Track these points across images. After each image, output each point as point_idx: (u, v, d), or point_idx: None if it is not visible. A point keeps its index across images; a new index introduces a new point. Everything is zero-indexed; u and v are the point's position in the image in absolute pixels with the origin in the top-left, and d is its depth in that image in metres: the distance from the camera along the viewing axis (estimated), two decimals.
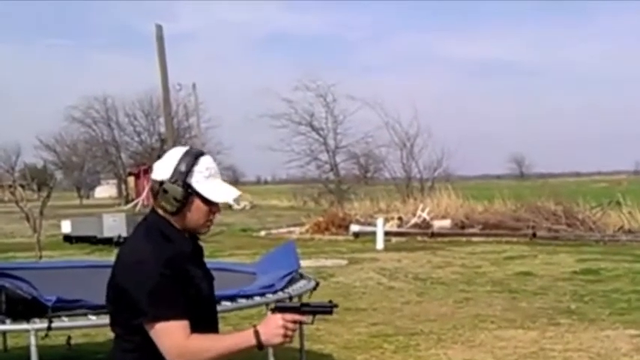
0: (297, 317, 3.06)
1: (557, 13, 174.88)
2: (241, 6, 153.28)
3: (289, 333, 3.02)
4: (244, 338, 2.99)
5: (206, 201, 3.09)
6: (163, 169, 3.07)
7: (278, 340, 3.00)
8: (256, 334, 2.97)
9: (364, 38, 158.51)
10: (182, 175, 3.03)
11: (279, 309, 3.10)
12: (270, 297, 6.64)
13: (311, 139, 41.69)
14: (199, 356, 2.95)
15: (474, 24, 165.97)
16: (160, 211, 3.11)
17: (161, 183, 3.05)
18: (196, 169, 3.06)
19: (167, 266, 2.95)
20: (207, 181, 3.08)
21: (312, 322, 3.16)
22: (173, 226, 3.10)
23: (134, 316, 2.96)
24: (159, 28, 28.87)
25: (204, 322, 3.09)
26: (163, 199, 3.05)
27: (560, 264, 17.16)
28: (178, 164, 3.05)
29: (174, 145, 27.96)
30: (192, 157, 3.07)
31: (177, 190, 3.03)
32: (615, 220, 24.31)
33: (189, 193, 3.05)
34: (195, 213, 3.09)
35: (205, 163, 3.09)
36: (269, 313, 3.14)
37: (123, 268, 3.03)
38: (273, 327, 3.00)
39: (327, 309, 3.18)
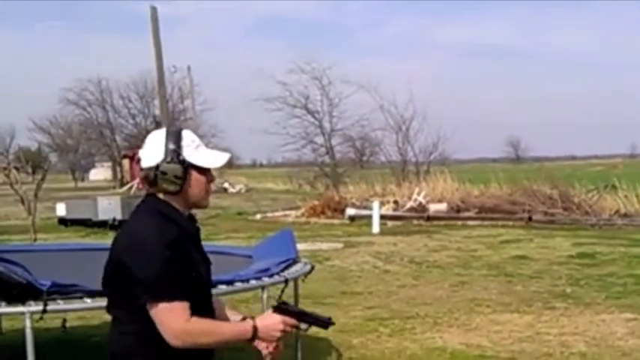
0: (295, 322, 3.16)
1: None
2: None
3: (282, 335, 3.13)
4: (242, 331, 3.08)
5: (202, 170, 3.13)
6: (153, 154, 3.08)
7: (272, 339, 3.12)
8: (254, 329, 3.06)
9: (360, 21, 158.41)
10: (175, 153, 3.06)
11: (280, 310, 3.15)
12: (266, 280, 6.62)
13: (306, 122, 41.63)
14: (197, 339, 2.98)
15: (472, 8, 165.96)
16: (160, 195, 3.12)
17: (157, 167, 3.05)
18: (184, 143, 3.09)
19: (170, 248, 2.97)
20: (198, 152, 3.13)
21: (306, 330, 3.26)
22: (174, 208, 3.12)
23: (135, 296, 2.96)
24: (153, 9, 28.78)
25: (201, 305, 3.10)
26: (164, 181, 3.06)
27: (556, 248, 17.17)
28: (166, 144, 3.07)
29: (170, 127, 27.90)
30: (176, 134, 3.12)
31: (176, 168, 3.05)
32: (611, 204, 24.33)
33: (186, 167, 3.07)
34: (196, 186, 3.13)
35: (189, 136, 3.14)
36: (269, 310, 3.19)
37: (125, 248, 3.03)
38: (271, 327, 3.10)
39: (324, 323, 3.27)
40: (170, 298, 2.94)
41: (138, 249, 2.97)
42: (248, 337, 3.06)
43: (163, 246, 2.95)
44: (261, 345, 3.16)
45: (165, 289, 2.94)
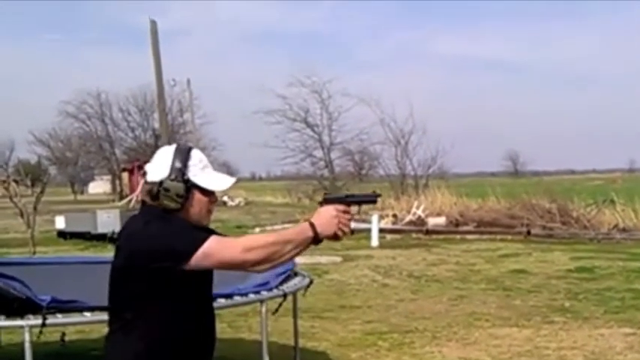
0: (344, 207, 3.10)
1: (555, 11, 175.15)
2: (238, 1, 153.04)
3: (343, 222, 3.07)
4: (302, 229, 3.06)
5: (205, 192, 3.16)
6: (159, 169, 3.11)
7: (333, 229, 3.06)
8: (312, 225, 3.03)
9: (360, 35, 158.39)
10: (180, 171, 3.09)
11: (327, 201, 3.14)
12: (264, 294, 6.63)
13: (306, 135, 41.76)
14: (267, 249, 3.01)
15: (471, 21, 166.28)
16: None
17: (160, 183, 3.08)
18: (191, 163, 3.13)
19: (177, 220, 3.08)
20: (204, 173, 3.16)
21: (359, 213, 3.22)
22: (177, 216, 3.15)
23: (169, 266, 2.96)
24: (153, 23, 28.85)
25: (202, 315, 3.19)
26: (166, 198, 3.09)
27: (555, 262, 17.17)
28: (173, 162, 3.10)
29: (169, 140, 27.94)
30: (185, 153, 3.15)
31: (179, 187, 3.09)
32: (609, 219, 24.33)
33: (190, 187, 3.11)
34: (197, 206, 3.15)
35: (197, 156, 3.18)
36: (318, 206, 3.15)
37: (140, 236, 3.05)
38: (326, 217, 3.06)
39: (372, 198, 3.26)
40: (206, 236, 3.00)
41: (148, 230, 3.02)
42: (309, 234, 3.02)
43: (174, 223, 3.05)
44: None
45: (198, 235, 3.00)
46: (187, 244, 2.97)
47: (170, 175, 3.08)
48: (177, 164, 3.09)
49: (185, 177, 3.09)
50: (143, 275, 3.00)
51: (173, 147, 3.18)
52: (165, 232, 3.00)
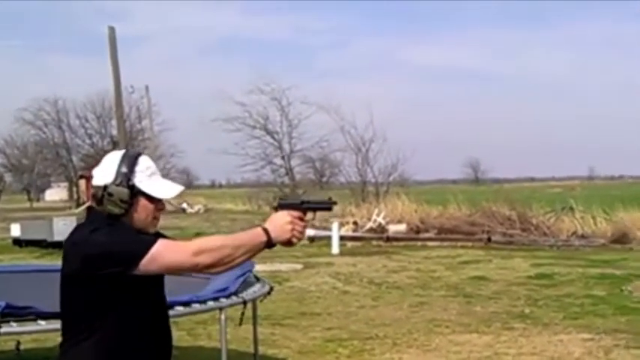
0: (299, 214, 3.07)
1: (517, 21, 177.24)
2: (197, 9, 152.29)
3: (297, 229, 3.04)
4: (255, 233, 3.02)
5: (151, 199, 3.11)
6: (105, 174, 3.07)
7: (287, 236, 3.04)
8: (265, 230, 3.01)
9: (323, 43, 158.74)
10: (125, 177, 3.04)
11: (282, 206, 3.10)
12: (224, 301, 6.53)
13: (266, 142, 41.68)
14: (217, 251, 2.97)
15: (434, 31, 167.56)
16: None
17: (105, 187, 3.04)
18: (137, 169, 3.08)
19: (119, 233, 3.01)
20: (150, 180, 3.11)
21: (314, 219, 3.18)
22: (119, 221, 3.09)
23: (118, 271, 2.91)
24: (111, 29, 28.64)
25: (156, 322, 3.14)
26: (109, 202, 3.04)
27: (515, 268, 17.26)
28: (119, 166, 3.05)
29: (127, 147, 27.67)
30: (132, 158, 3.10)
31: (123, 192, 3.03)
32: (568, 226, 24.61)
33: (134, 193, 3.06)
34: (142, 212, 3.10)
35: (145, 162, 3.13)
36: (272, 211, 3.13)
37: (82, 244, 3.00)
38: (280, 223, 3.04)
39: (327, 205, 3.22)
40: (154, 241, 2.96)
41: (93, 237, 2.97)
42: (263, 240, 3.00)
43: (116, 229, 3.00)
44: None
45: (144, 240, 2.97)
46: (135, 249, 2.92)
47: (115, 180, 3.03)
48: (124, 169, 3.04)
49: (130, 182, 3.04)
50: (92, 282, 2.94)
51: (121, 152, 3.14)
52: (113, 238, 2.94)
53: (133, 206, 3.06)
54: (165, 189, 3.14)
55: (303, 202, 3.12)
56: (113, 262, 2.90)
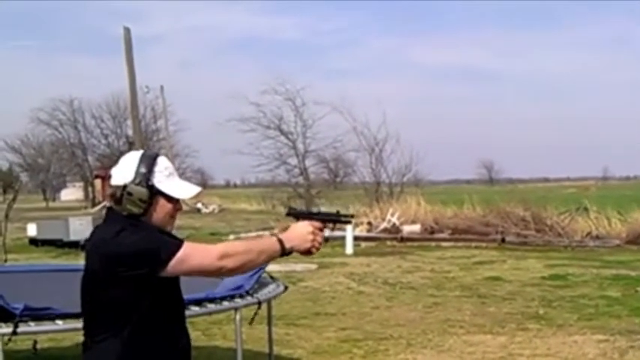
0: (320, 225, 3.13)
1: (530, 21, 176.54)
2: (212, 9, 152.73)
3: (318, 239, 3.11)
4: (269, 242, 3.09)
5: (169, 199, 3.16)
6: (124, 174, 3.12)
7: (308, 245, 3.10)
8: (280, 241, 3.06)
9: (336, 43, 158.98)
10: (144, 176, 3.09)
11: (294, 214, 3.18)
12: (239, 302, 6.58)
13: (280, 143, 41.57)
14: (238, 257, 3.03)
15: (447, 30, 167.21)
16: (125, 214, 3.13)
17: (124, 187, 3.08)
18: (156, 169, 3.13)
19: (143, 233, 3.04)
20: (169, 180, 3.16)
21: (334, 229, 3.24)
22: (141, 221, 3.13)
23: (146, 272, 2.96)
24: (127, 30, 28.68)
25: (177, 321, 3.20)
26: (128, 202, 3.08)
27: (529, 269, 17.24)
28: (138, 167, 3.10)
29: (143, 147, 27.76)
30: (151, 159, 3.15)
31: (142, 192, 3.08)
32: (583, 226, 24.52)
33: (154, 193, 3.10)
34: (161, 212, 3.15)
35: (163, 163, 3.18)
36: (287, 218, 3.21)
37: (108, 243, 3.03)
38: (303, 233, 3.10)
39: (347, 220, 3.27)
40: (181, 242, 3.01)
41: (120, 237, 3.00)
42: (278, 249, 3.06)
43: (141, 229, 3.04)
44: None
45: (172, 241, 3.02)
46: (164, 250, 2.97)
47: (134, 179, 3.08)
48: (143, 169, 3.10)
49: (149, 182, 3.09)
50: (118, 282, 2.98)
51: (140, 152, 3.19)
52: (140, 239, 2.99)
53: (152, 206, 3.11)
54: (183, 189, 3.19)
55: (320, 213, 3.19)
56: (143, 262, 2.95)
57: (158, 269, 2.96)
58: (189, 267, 3.00)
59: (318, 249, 3.13)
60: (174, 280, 3.15)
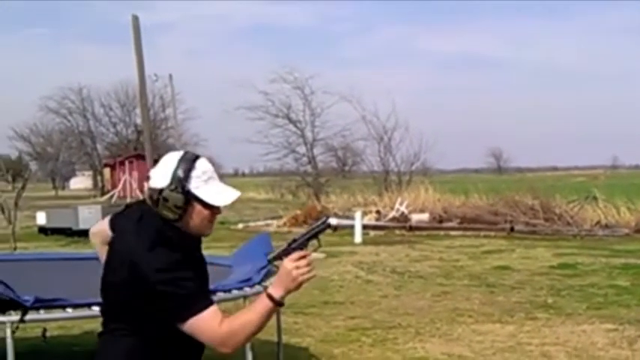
0: (300, 253, 2.97)
1: (539, 9, 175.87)
2: None
3: (301, 270, 2.93)
4: (264, 307, 2.95)
5: (206, 205, 3.05)
6: (161, 177, 3.01)
7: (295, 283, 2.94)
8: (270, 298, 2.93)
9: (346, 31, 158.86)
10: (181, 182, 2.99)
11: (275, 258, 3.04)
12: (247, 290, 6.60)
13: (288, 131, 41.54)
14: (239, 337, 2.95)
15: (456, 19, 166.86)
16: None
17: (160, 191, 2.99)
18: (194, 174, 3.01)
19: (178, 266, 2.94)
20: (207, 186, 3.05)
21: (320, 246, 3.05)
22: (176, 227, 3.05)
23: (160, 316, 2.93)
24: (135, 18, 28.62)
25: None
26: (164, 207, 3.00)
27: (538, 258, 17.22)
28: (175, 170, 3.00)
29: (151, 136, 27.82)
30: (189, 162, 3.03)
31: (178, 198, 2.99)
32: (592, 215, 24.47)
33: (190, 199, 3.01)
34: (197, 218, 3.05)
35: (202, 167, 3.05)
36: (272, 268, 3.09)
37: (139, 261, 2.96)
38: (285, 276, 2.94)
39: (323, 227, 3.10)
40: (199, 310, 2.92)
41: (160, 276, 2.91)
42: (272, 307, 2.95)
43: (172, 264, 2.93)
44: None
45: (191, 304, 2.91)
46: (186, 308, 2.91)
47: (171, 184, 2.98)
48: (180, 174, 2.98)
49: (185, 188, 2.98)
50: (139, 296, 2.96)
51: (179, 154, 3.07)
52: (170, 278, 2.91)
53: (188, 212, 3.01)
54: (221, 195, 3.07)
55: (290, 243, 3.03)
56: (159, 309, 2.92)
57: (171, 322, 2.93)
58: (192, 334, 2.95)
59: (308, 278, 2.97)
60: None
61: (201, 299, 2.94)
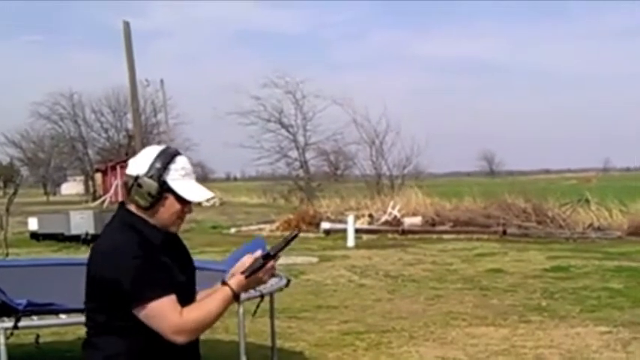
0: (266, 268, 3.12)
1: (530, 13, 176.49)
2: (213, 3, 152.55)
3: (267, 278, 3.17)
4: (224, 298, 3.07)
5: (180, 199, 3.11)
6: (139, 165, 3.08)
7: (257, 286, 3.24)
8: (232, 291, 3.07)
9: (339, 36, 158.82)
10: (158, 171, 3.05)
11: (251, 273, 3.12)
12: (242, 295, 6.55)
13: (280, 136, 41.68)
14: (196, 328, 3.03)
15: (447, 23, 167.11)
16: (132, 207, 3.11)
17: (136, 178, 3.05)
18: (173, 167, 3.08)
19: (140, 249, 2.99)
20: (183, 180, 3.11)
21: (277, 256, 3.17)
22: (145, 221, 3.10)
23: (121, 304, 2.95)
24: (126, 24, 28.69)
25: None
26: (137, 193, 3.06)
27: (531, 261, 17.23)
28: (155, 161, 3.06)
29: (143, 141, 27.77)
30: (169, 156, 3.10)
31: (152, 185, 3.04)
32: (585, 218, 24.50)
33: (164, 189, 3.06)
34: (167, 210, 3.11)
35: (181, 162, 3.12)
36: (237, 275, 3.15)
37: (99, 259, 3.03)
38: (251, 282, 3.12)
39: (292, 238, 3.23)
40: (156, 296, 2.94)
41: (110, 256, 2.98)
42: (231, 300, 3.07)
43: (134, 249, 2.97)
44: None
45: (149, 289, 2.94)
46: (138, 291, 2.95)
47: (148, 172, 3.04)
48: (158, 164, 3.05)
49: (161, 178, 3.04)
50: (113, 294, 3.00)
51: (161, 147, 3.14)
52: (123, 269, 2.95)
53: (160, 202, 3.06)
54: (195, 192, 3.13)
55: (266, 256, 3.13)
56: (113, 294, 2.96)
57: (128, 306, 2.96)
58: (149, 323, 2.97)
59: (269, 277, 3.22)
60: (188, 284, 3.19)
61: (160, 286, 2.97)
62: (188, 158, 3.19)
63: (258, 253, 3.15)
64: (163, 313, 2.95)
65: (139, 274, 2.93)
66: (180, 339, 2.98)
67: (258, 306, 6.44)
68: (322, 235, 24.93)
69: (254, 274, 3.10)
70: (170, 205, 3.09)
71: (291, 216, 27.91)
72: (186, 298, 3.17)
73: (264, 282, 3.17)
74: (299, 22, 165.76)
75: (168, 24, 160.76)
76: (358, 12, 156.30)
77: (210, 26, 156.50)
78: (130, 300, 2.93)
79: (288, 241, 3.19)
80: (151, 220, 3.10)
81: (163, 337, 3.00)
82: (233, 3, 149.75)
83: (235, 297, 3.05)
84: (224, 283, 3.08)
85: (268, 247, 3.23)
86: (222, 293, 3.05)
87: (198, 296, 3.23)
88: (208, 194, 3.19)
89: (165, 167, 3.05)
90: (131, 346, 3.02)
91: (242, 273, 3.10)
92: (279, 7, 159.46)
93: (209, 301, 3.06)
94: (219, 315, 3.05)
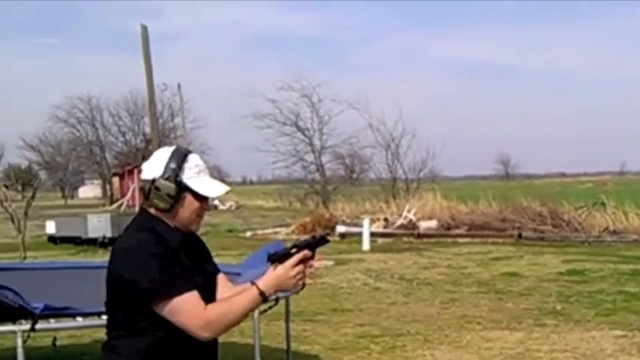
0: (295, 259, 3.04)
1: (545, 15, 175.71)
2: (230, 6, 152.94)
3: (301, 275, 3.04)
4: (250, 298, 3.03)
5: (197, 197, 3.14)
6: (154, 168, 3.11)
7: (289, 285, 3.06)
8: (260, 292, 3.01)
9: (353, 39, 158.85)
10: (174, 172, 3.08)
11: (274, 260, 3.08)
12: None
13: (296, 139, 41.67)
14: (221, 324, 3.02)
15: (463, 26, 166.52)
16: (152, 210, 3.15)
17: (153, 181, 3.09)
18: (187, 166, 3.11)
19: (158, 247, 3.02)
20: (199, 177, 3.14)
21: (313, 257, 3.11)
22: (164, 223, 3.14)
23: (141, 304, 2.98)
24: (144, 28, 28.77)
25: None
26: (156, 196, 3.09)
27: (546, 265, 17.20)
28: (169, 162, 3.09)
29: (160, 145, 27.85)
30: (182, 155, 3.13)
31: (170, 187, 3.07)
32: (600, 221, 24.40)
33: (182, 189, 3.10)
34: (187, 209, 3.14)
35: (194, 160, 3.16)
36: (270, 268, 3.09)
37: (117, 260, 3.07)
38: (280, 278, 3.03)
39: (323, 240, 3.18)
40: (179, 292, 2.96)
41: (129, 261, 3.00)
42: (260, 301, 3.03)
43: (152, 247, 3.00)
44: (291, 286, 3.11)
45: (170, 285, 2.96)
46: (160, 289, 2.97)
47: (163, 174, 3.08)
48: (172, 165, 3.08)
49: (178, 178, 3.08)
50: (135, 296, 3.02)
51: (172, 148, 3.17)
52: (144, 269, 2.98)
53: (179, 202, 3.10)
54: (211, 188, 3.17)
55: (293, 247, 3.10)
56: (135, 294, 2.98)
57: (150, 304, 2.98)
58: (173, 319, 2.99)
59: (303, 285, 3.12)
60: (208, 285, 3.17)
61: (183, 282, 2.99)
62: (204, 161, 3.23)
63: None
64: (188, 309, 2.97)
65: (160, 271, 2.97)
66: (205, 334, 2.99)
67: (270, 307, 6.49)
68: (338, 238, 24.94)
69: (281, 264, 3.04)
70: (189, 204, 3.13)
71: (307, 219, 27.92)
72: (204, 299, 3.22)
73: (295, 282, 3.06)
74: (315, 25, 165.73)
75: (184, 27, 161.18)
76: (374, 15, 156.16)
77: (227, 29, 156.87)
78: (152, 297, 2.96)
79: (316, 240, 3.16)
80: (171, 222, 3.13)
81: (183, 339, 3.02)
82: (249, 7, 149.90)
83: (263, 297, 3.02)
84: (252, 282, 3.08)
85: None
86: (248, 292, 3.05)
87: (227, 294, 3.21)
88: (225, 188, 3.23)
89: (179, 167, 3.09)
90: (150, 348, 3.04)
91: (268, 260, 3.09)
92: (294, 10, 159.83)
93: (235, 298, 3.07)
94: (244, 314, 3.04)
